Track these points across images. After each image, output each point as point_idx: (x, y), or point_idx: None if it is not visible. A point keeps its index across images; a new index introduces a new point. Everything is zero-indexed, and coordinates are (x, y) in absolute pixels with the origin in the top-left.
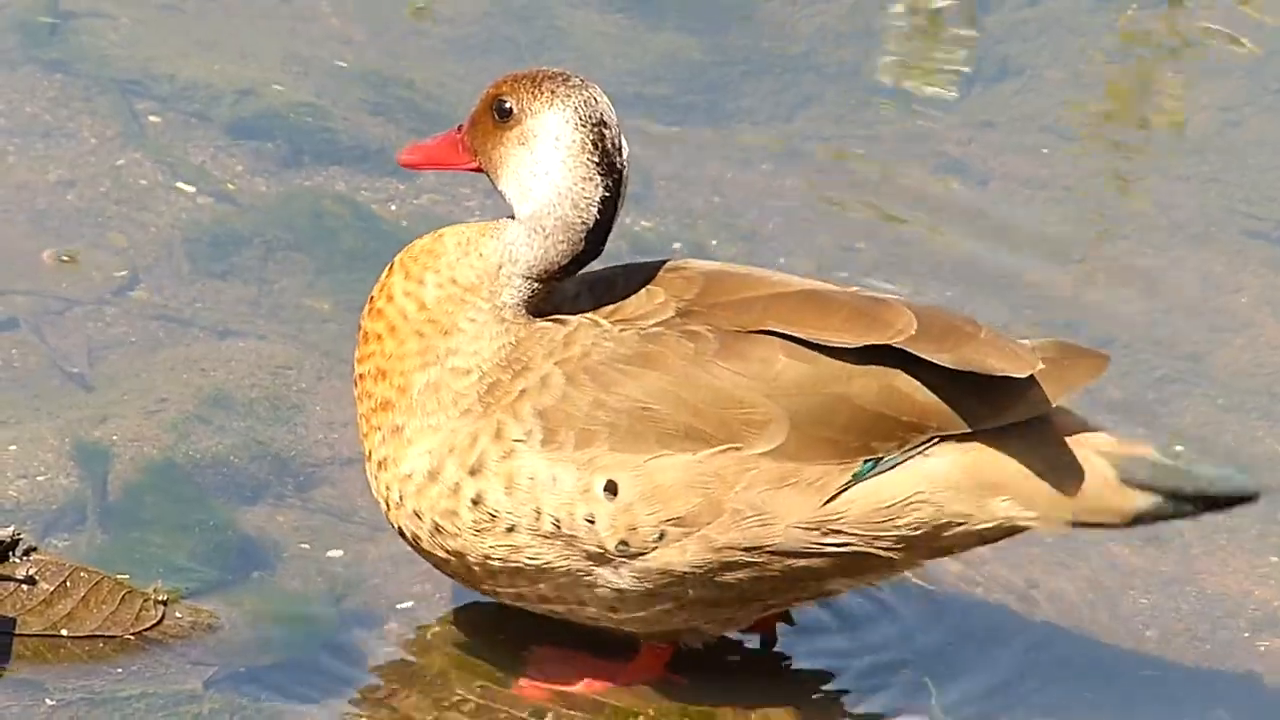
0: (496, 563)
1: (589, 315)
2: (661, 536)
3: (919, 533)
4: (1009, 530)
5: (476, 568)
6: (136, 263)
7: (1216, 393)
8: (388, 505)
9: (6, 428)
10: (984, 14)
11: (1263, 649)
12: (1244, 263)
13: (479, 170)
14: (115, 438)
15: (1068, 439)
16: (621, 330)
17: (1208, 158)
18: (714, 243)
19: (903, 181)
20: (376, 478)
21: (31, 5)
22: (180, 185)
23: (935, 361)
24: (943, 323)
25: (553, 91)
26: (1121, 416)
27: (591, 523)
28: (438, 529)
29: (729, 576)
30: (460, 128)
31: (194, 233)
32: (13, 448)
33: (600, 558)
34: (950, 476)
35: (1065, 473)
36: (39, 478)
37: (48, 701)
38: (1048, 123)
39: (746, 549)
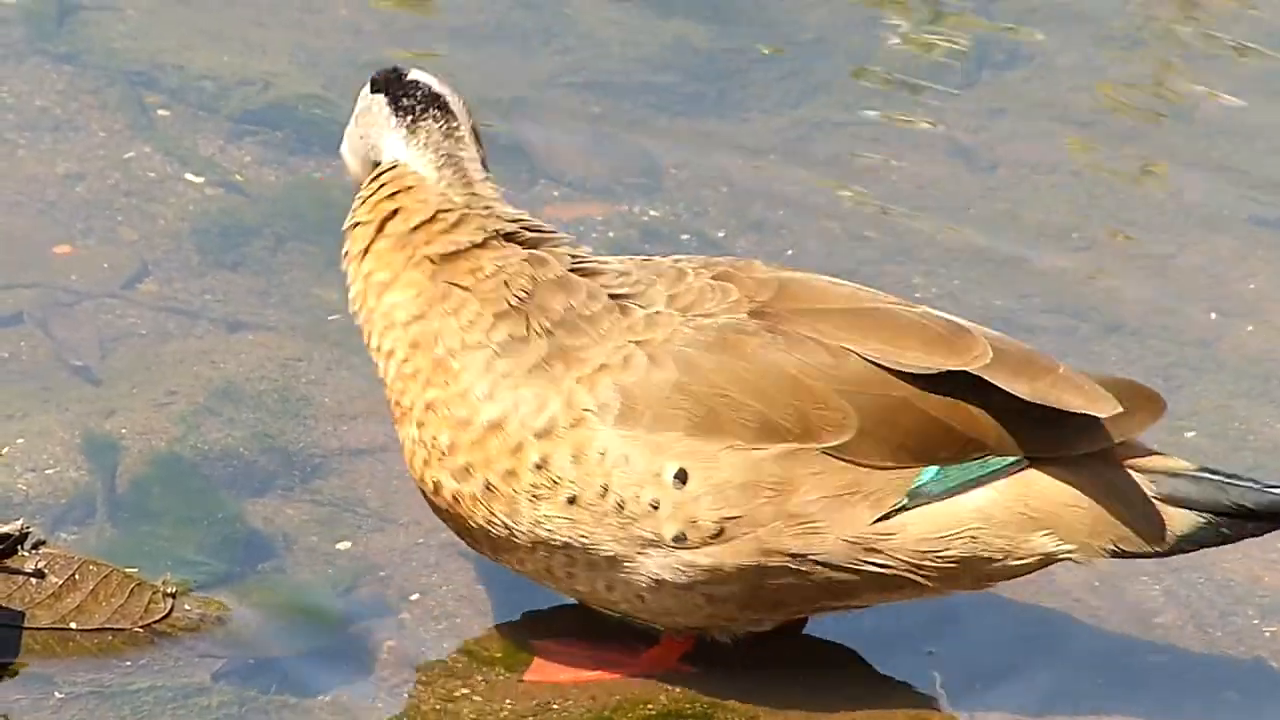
0: (544, 532)
1: (667, 308)
2: (720, 533)
3: (959, 565)
4: (1047, 562)
5: (520, 535)
6: (145, 255)
7: (1226, 378)
8: (429, 455)
9: (15, 421)
10: (993, 0)
11: (1270, 635)
12: (1253, 249)
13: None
14: (124, 430)
15: (1115, 464)
16: (703, 319)
17: (1217, 144)
18: (722, 233)
19: (911, 169)
20: (421, 425)
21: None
22: (189, 177)
23: (1011, 392)
24: (1020, 354)
25: None
26: None
27: (655, 508)
28: (490, 488)
29: (770, 581)
30: None
31: (203, 224)
32: (21, 441)
33: (652, 545)
34: (995, 511)
35: (1109, 502)
36: (48, 471)
37: (57, 694)
38: (1057, 110)
39: (793, 555)
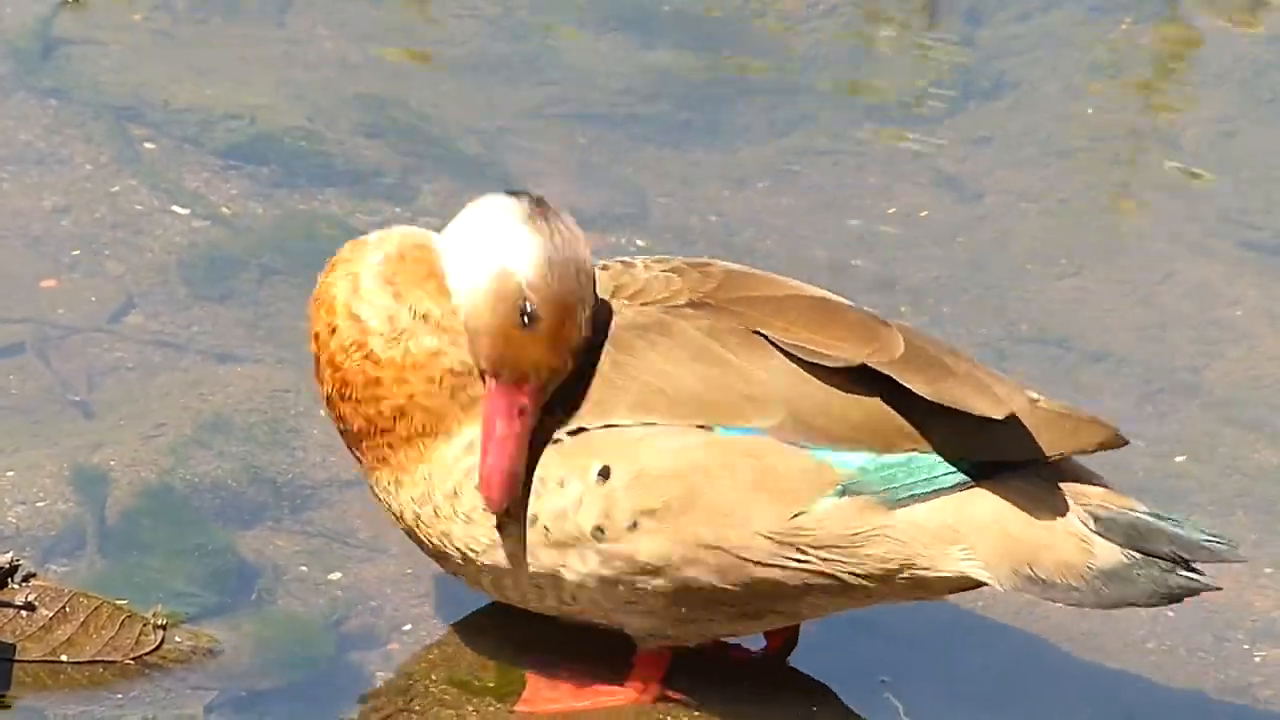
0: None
1: (612, 298)
2: (635, 525)
3: (880, 569)
4: (972, 584)
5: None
6: (132, 288)
7: (1213, 405)
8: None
9: (4, 454)
10: (977, 30)
11: (1260, 660)
12: (1240, 275)
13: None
14: (113, 463)
15: (1053, 494)
16: (643, 306)
17: (1203, 170)
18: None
19: (898, 198)
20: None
21: (23, 32)
22: (176, 210)
23: (913, 389)
24: (928, 354)
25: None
26: (1118, 428)
27: (579, 503)
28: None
29: (692, 576)
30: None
31: (190, 257)
32: (11, 474)
33: (574, 539)
34: (915, 517)
35: (1035, 531)
36: (38, 504)
37: None
38: (1042, 137)
39: (710, 547)
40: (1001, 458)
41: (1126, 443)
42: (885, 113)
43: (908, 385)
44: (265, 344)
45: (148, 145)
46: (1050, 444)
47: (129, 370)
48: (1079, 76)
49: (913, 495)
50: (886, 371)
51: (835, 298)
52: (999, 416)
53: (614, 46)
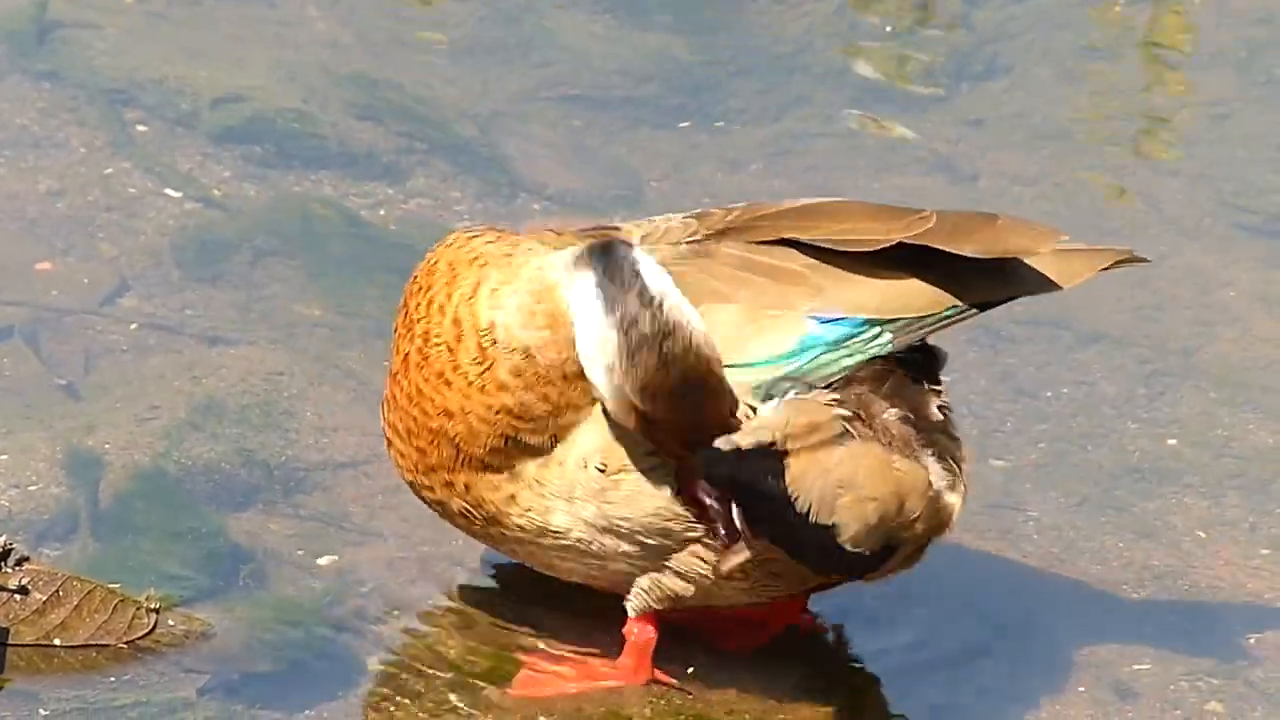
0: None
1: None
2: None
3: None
4: None
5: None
6: (126, 271)
7: (1208, 387)
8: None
9: None
10: (971, 12)
11: (1254, 642)
12: (1234, 257)
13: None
14: (107, 446)
15: None
16: (670, 245)
17: (1197, 152)
18: None
19: (892, 180)
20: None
21: (17, 15)
22: (169, 192)
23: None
24: (956, 221)
25: None
26: (1113, 411)
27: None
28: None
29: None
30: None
31: (183, 240)
32: (4, 457)
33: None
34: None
35: None
36: (30, 487)
37: (42, 711)
38: (1036, 120)
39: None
40: (1033, 291)
41: (1145, 259)
42: (879, 95)
43: (949, 249)
44: (259, 326)
45: (141, 128)
46: (1072, 274)
47: (122, 353)
48: (1073, 59)
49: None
50: (923, 242)
51: (856, 200)
52: (1044, 251)
53: (608, 29)
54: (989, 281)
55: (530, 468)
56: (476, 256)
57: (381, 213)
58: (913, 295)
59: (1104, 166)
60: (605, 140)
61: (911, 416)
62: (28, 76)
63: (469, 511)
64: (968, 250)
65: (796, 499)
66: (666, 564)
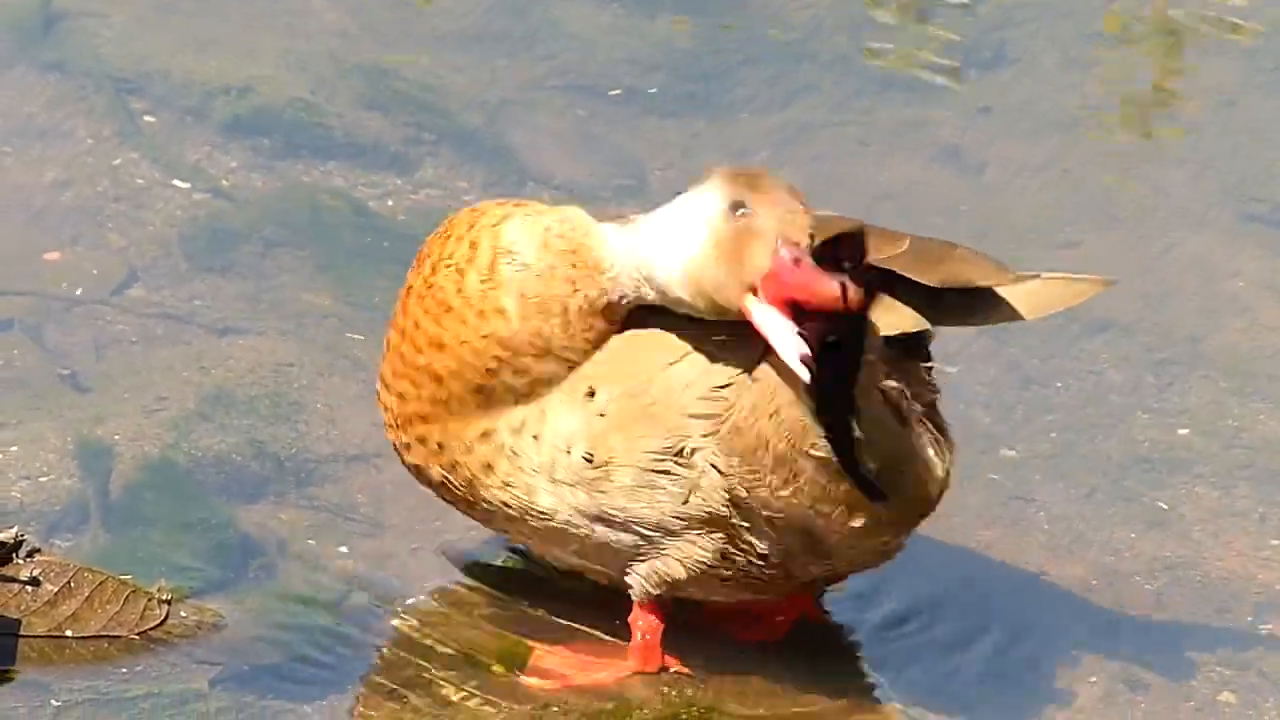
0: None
1: None
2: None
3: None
4: None
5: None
6: (134, 261)
7: (1216, 375)
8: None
9: (8, 429)
10: (978, 0)
11: (1266, 633)
12: (1241, 246)
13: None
14: (116, 437)
15: None
16: None
17: (1204, 141)
18: None
19: (899, 169)
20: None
21: (23, 5)
22: (177, 183)
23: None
24: (930, 247)
25: None
26: (1122, 400)
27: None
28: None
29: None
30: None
31: (191, 230)
32: (14, 449)
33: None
34: None
35: None
36: (41, 479)
37: (53, 703)
38: (1043, 108)
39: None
40: (1002, 321)
41: (1112, 282)
42: (886, 83)
43: (911, 276)
44: (267, 317)
45: (149, 118)
46: (1037, 306)
47: (131, 344)
48: (1080, 47)
49: None
50: (891, 267)
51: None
52: (1000, 284)
53: (615, 18)
54: (956, 309)
55: (504, 430)
56: (503, 205)
57: (390, 203)
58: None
59: (1111, 155)
60: (611, 129)
61: (906, 391)
62: (34, 66)
63: (448, 480)
64: (926, 279)
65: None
66: (664, 552)
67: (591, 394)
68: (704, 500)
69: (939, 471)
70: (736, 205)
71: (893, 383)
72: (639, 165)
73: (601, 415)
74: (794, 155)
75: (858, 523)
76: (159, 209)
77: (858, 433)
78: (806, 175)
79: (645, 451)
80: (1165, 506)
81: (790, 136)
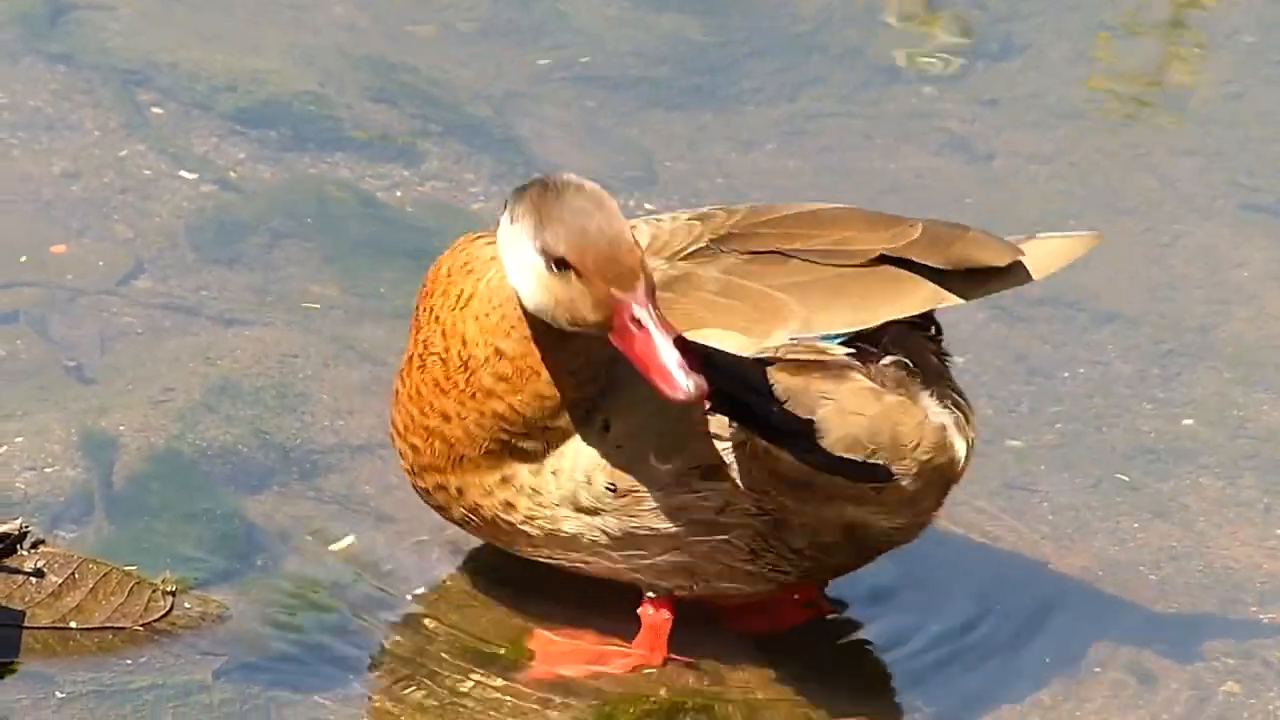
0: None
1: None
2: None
3: None
4: None
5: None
6: (141, 252)
7: (1223, 366)
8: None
9: (13, 420)
10: None
11: (1268, 622)
12: (1247, 236)
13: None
14: (122, 428)
15: None
16: (666, 259)
17: (1211, 132)
18: None
19: (907, 160)
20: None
21: None
22: (184, 174)
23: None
24: (939, 232)
25: None
26: (1128, 391)
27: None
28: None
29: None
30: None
31: (198, 222)
32: (20, 439)
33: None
34: None
35: None
36: (46, 470)
37: (57, 694)
38: (1051, 100)
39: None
40: (1010, 286)
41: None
42: (894, 74)
43: (926, 262)
44: (274, 308)
45: (156, 110)
46: (1040, 268)
47: (137, 335)
48: (1087, 38)
49: None
50: (902, 255)
51: (854, 208)
52: (1007, 263)
53: (622, 10)
54: (964, 283)
55: (523, 473)
56: (467, 263)
57: (397, 194)
58: (884, 311)
59: (1118, 146)
60: (619, 121)
61: (909, 363)
62: (41, 58)
63: (469, 518)
64: (940, 262)
65: (775, 390)
66: (695, 553)
67: (606, 427)
68: (737, 509)
69: (953, 438)
70: (559, 263)
71: (890, 359)
72: (647, 156)
73: (620, 447)
74: (801, 146)
75: (884, 507)
76: (166, 200)
77: (817, 422)
78: (814, 167)
79: (670, 476)
80: (1171, 499)
81: (798, 128)
